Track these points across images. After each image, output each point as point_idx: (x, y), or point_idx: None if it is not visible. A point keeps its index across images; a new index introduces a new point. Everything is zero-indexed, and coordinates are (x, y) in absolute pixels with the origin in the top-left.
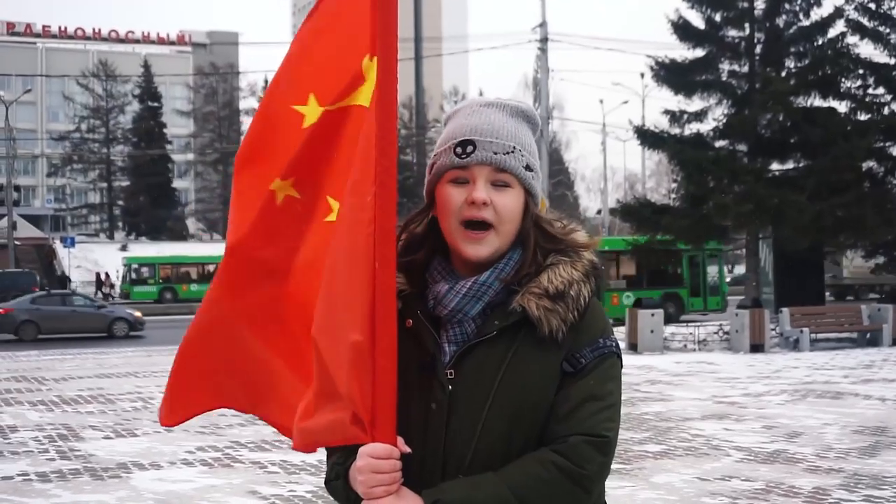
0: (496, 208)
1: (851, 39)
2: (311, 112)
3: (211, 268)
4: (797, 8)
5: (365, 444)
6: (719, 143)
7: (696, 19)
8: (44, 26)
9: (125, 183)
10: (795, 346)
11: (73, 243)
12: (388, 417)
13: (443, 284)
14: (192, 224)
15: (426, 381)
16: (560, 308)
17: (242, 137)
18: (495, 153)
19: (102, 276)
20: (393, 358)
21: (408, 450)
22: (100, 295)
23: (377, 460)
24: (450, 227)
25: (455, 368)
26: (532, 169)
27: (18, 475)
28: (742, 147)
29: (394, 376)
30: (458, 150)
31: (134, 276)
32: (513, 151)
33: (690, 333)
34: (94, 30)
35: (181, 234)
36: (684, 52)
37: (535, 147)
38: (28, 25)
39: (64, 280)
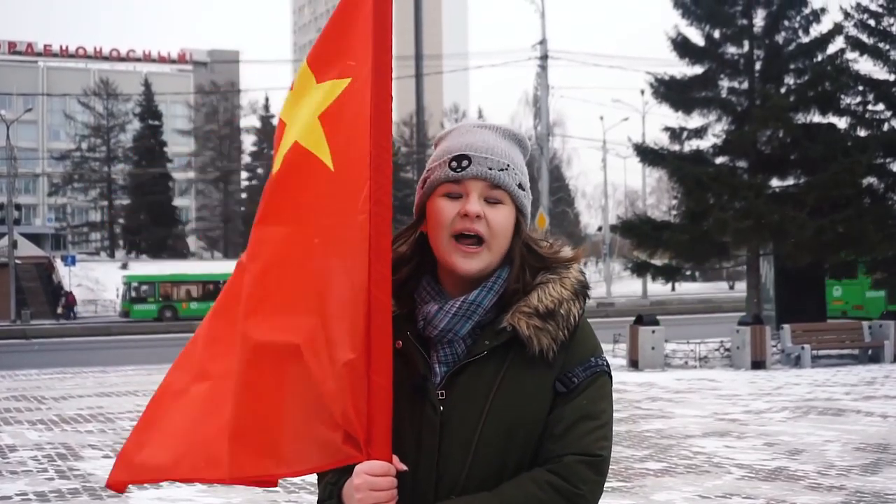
0: (489, 223)
1: (851, 56)
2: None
3: (211, 286)
4: (797, 25)
5: (358, 463)
6: (719, 160)
7: (696, 36)
8: (45, 45)
9: (126, 201)
10: (797, 362)
11: (73, 262)
12: (384, 435)
13: (432, 305)
14: (192, 242)
15: (417, 403)
16: (550, 327)
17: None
18: (490, 168)
19: (69, 295)
20: (388, 376)
21: (404, 468)
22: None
23: (374, 478)
24: (441, 240)
25: (446, 389)
26: (524, 188)
27: (17, 495)
28: (742, 163)
29: (389, 394)
30: (454, 164)
31: (134, 294)
32: (507, 168)
33: (691, 350)
34: (95, 48)
35: (182, 253)
36: (684, 69)
37: (526, 169)
38: (29, 44)
39: (57, 294)
